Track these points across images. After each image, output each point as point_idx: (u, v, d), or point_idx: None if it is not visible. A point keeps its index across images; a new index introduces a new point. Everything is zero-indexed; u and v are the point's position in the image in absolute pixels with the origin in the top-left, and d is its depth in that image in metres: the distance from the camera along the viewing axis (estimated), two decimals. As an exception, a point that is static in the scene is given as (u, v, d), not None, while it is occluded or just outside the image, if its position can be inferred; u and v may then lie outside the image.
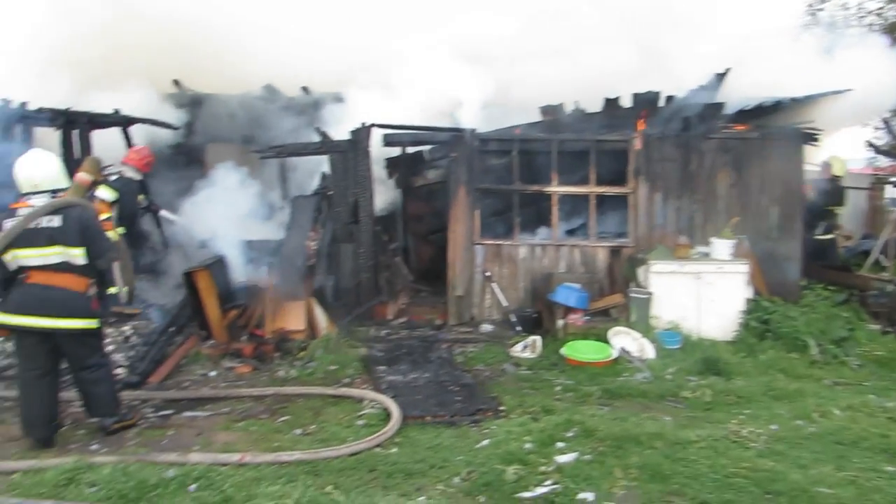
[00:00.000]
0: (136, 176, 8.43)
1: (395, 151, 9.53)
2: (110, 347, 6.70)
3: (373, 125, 8.54)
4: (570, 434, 4.89)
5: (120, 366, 6.53)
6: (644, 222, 8.67)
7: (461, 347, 7.73)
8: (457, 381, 6.36)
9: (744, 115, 8.84)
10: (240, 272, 8.03)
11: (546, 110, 8.85)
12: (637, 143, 8.58)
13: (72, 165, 7.82)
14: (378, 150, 9.05)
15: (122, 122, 8.51)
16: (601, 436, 4.79)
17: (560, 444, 4.72)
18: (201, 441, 4.85)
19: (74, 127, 8.41)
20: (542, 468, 4.33)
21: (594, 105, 8.76)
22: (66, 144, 8.44)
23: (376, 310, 8.70)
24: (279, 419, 5.34)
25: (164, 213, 8.92)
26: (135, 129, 9.02)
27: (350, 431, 5.06)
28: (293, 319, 7.45)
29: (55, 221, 4.60)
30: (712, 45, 9.29)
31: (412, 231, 10.03)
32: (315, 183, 9.92)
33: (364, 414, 5.42)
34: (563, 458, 4.46)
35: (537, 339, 7.60)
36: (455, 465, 4.48)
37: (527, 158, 8.84)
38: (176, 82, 9.95)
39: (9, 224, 4.54)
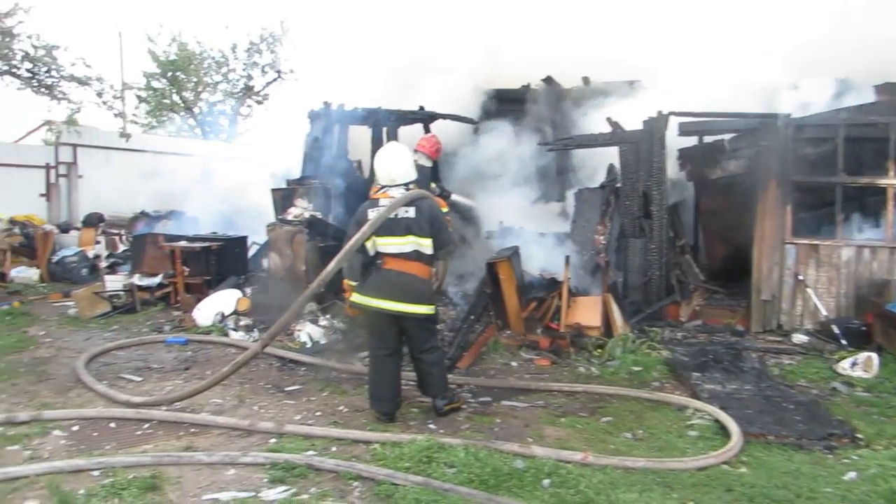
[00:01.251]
0: (427, 163, 8.80)
1: (690, 141, 8.90)
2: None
3: (671, 113, 8.03)
4: (972, 479, 4.02)
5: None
6: None
7: (773, 358, 6.95)
8: (787, 397, 5.66)
9: None
10: (531, 264, 8.08)
11: (884, 89, 7.56)
12: None
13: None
14: (671, 141, 8.52)
15: (426, 117, 9.04)
16: None
17: (961, 491, 3.89)
18: (532, 433, 4.83)
19: (384, 124, 9.12)
20: (955, 519, 3.58)
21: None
22: (376, 140, 9.20)
23: (667, 310, 8.20)
24: (601, 419, 5.16)
25: (455, 197, 9.22)
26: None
27: (685, 442, 4.71)
28: (588, 315, 7.27)
29: (410, 212, 4.90)
30: None
31: (704, 227, 9.30)
32: (591, 175, 9.71)
33: (693, 424, 5.03)
34: (978, 510, 3.66)
35: (872, 355, 6.51)
36: (825, 497, 3.92)
37: (853, 146, 7.65)
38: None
39: (372, 213, 4.92)
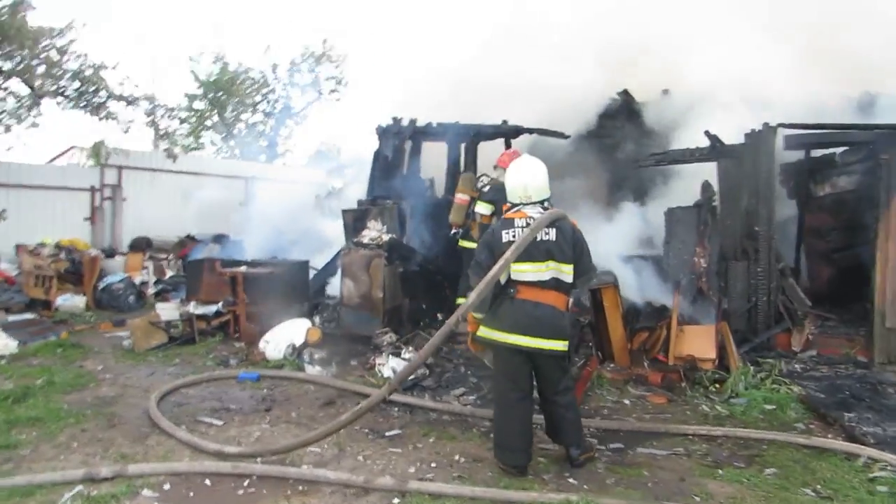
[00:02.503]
0: None
1: (790, 156, 8.25)
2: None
3: (779, 125, 7.39)
4: None
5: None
6: None
7: (914, 394, 6.21)
8: (963, 442, 4.94)
9: None
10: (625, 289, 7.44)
11: None
12: None
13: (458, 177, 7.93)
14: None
15: (510, 132, 8.43)
16: None
17: None
18: (697, 490, 4.15)
19: (461, 140, 8.54)
20: None
21: None
22: (452, 157, 8.61)
23: (777, 339, 7.48)
24: (764, 471, 4.46)
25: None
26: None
27: (880, 501, 4.00)
28: (701, 346, 6.60)
29: (551, 234, 4.29)
30: None
31: (809, 248, 8.58)
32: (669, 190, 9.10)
33: (877, 477, 4.32)
34: None
35: None
36: None
37: None
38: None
39: (506, 235, 4.31)
